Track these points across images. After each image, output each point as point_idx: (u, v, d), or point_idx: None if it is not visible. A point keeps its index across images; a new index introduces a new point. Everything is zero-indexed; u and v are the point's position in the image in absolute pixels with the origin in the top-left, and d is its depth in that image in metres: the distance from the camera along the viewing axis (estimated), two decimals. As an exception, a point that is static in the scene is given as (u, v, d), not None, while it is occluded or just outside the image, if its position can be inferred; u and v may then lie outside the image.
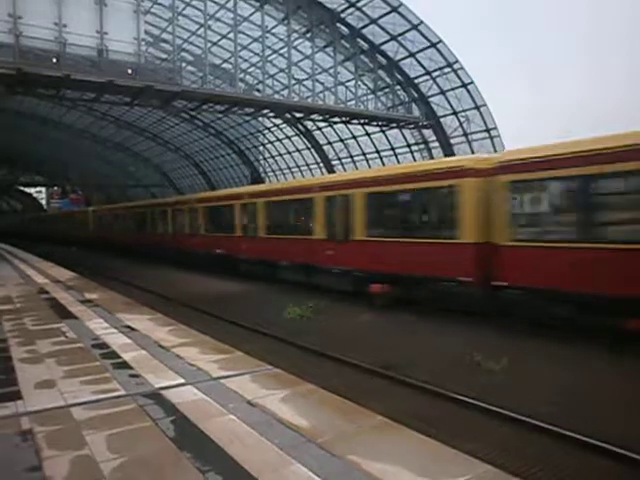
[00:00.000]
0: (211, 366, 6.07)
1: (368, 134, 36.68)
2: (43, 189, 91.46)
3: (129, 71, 20.37)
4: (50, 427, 4.36)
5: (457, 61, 28.79)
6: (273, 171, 49.19)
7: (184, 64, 31.70)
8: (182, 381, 5.54)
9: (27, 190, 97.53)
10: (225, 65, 33.01)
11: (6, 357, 6.61)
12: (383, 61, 30.94)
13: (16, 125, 49.77)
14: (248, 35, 29.45)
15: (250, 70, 34.21)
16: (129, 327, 8.40)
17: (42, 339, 7.53)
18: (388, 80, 31.77)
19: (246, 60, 32.55)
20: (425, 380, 8.00)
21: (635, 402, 7.03)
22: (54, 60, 18.76)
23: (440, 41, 28.10)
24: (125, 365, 6.19)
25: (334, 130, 38.52)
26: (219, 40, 30.71)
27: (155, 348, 6.98)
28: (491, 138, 30.95)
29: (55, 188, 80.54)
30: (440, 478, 3.40)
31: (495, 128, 30.79)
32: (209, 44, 27.42)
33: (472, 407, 7.01)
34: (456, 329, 11.54)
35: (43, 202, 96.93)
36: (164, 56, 29.81)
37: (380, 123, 32.61)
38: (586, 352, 9.36)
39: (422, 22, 27.22)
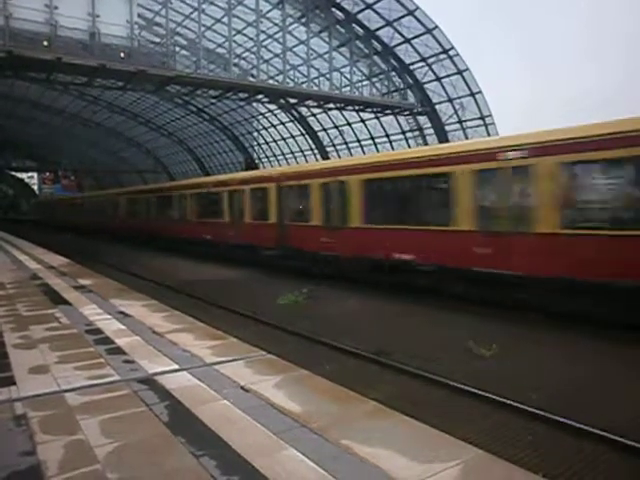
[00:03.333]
0: (205, 352, 6.08)
1: (363, 121, 36.53)
2: (35, 174, 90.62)
3: (122, 55, 20.14)
4: (44, 412, 4.35)
5: (452, 47, 28.65)
6: (267, 157, 48.94)
7: (178, 48, 31.36)
8: (176, 367, 5.55)
9: (19, 175, 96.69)
10: (219, 50, 32.66)
11: (-1, 343, 6.59)
12: (378, 47, 30.73)
13: (6, 109, 49.15)
14: (242, 19, 29.15)
15: (244, 55, 33.91)
16: (123, 313, 8.38)
17: (35, 325, 7.50)
18: (383, 66, 31.59)
19: (240, 45, 32.26)
20: (417, 366, 8.06)
21: (626, 389, 7.12)
22: (45, 43, 18.51)
23: (436, 27, 27.94)
24: (119, 351, 6.18)
25: (329, 116, 38.33)
26: (213, 24, 30.37)
27: (149, 334, 6.97)
28: (485, 125, 30.92)
29: (47, 174, 79.81)
30: (432, 462, 3.44)
31: (490, 115, 30.75)
32: (203, 28, 27.13)
33: (463, 392, 7.08)
34: (450, 317, 11.62)
35: (35, 187, 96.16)
36: (157, 40, 29.46)
37: (375, 109, 32.48)
38: (579, 341, 9.46)
39: (418, 8, 27.06)
